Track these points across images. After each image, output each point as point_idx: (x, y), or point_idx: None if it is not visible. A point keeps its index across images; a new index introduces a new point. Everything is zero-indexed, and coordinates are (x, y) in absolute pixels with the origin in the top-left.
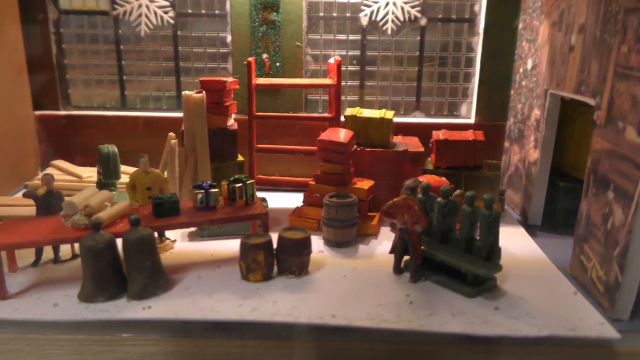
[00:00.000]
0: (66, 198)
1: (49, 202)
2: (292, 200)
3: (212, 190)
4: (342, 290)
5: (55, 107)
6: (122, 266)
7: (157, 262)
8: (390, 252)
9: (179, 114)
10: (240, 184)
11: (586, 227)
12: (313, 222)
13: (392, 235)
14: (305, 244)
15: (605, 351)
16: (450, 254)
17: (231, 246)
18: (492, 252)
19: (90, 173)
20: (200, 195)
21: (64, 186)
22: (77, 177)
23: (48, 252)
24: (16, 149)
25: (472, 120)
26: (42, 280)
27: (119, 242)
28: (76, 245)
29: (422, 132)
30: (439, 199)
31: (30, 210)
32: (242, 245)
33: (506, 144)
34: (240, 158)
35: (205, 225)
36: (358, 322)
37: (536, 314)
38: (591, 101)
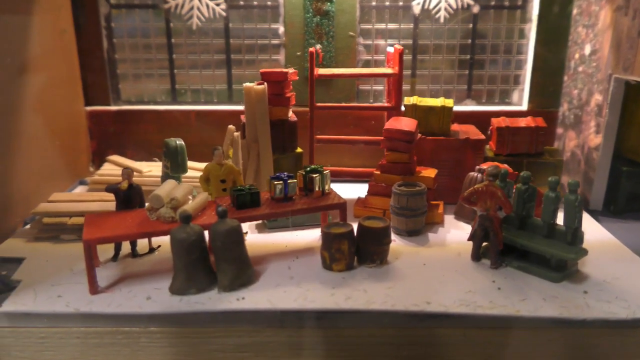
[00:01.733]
0: (152, 193)
1: (130, 196)
2: (350, 190)
3: (291, 181)
4: (427, 277)
5: (105, 102)
6: (209, 258)
7: (245, 253)
8: (469, 239)
9: (230, 107)
10: (317, 175)
11: None
12: (378, 212)
13: (457, 223)
14: (386, 233)
15: None
16: (531, 240)
17: (301, 237)
18: (575, 237)
19: (149, 167)
20: (280, 186)
21: None
22: (137, 172)
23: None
24: (70, 146)
25: (524, 107)
26: (126, 274)
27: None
28: (155, 239)
29: (474, 120)
30: (518, 185)
31: (99, 206)
32: (325, 235)
33: (559, 130)
34: (299, 149)
35: (287, 216)
36: (454, 309)
37: (626, 297)
38: None
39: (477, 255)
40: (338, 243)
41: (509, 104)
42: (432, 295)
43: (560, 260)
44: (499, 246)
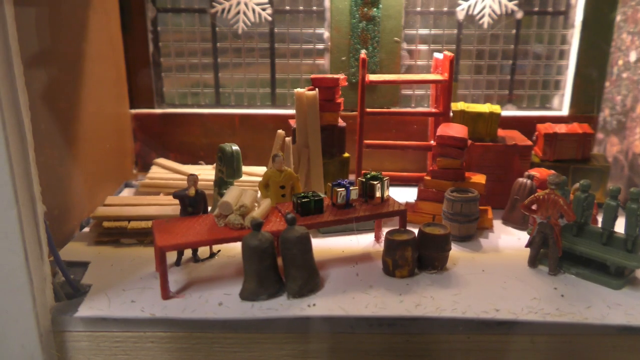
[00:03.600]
0: (221, 200)
1: (196, 201)
2: (395, 194)
3: (352, 188)
4: (489, 284)
5: (150, 105)
6: (277, 265)
7: (313, 260)
8: (527, 246)
9: (273, 111)
10: (378, 182)
11: None
12: (428, 217)
13: (505, 228)
14: (447, 240)
15: None
16: (591, 247)
17: (355, 242)
18: (635, 245)
19: (197, 171)
20: (342, 193)
21: (173, 184)
22: (184, 175)
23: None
24: (117, 149)
25: (565, 113)
26: (192, 279)
27: None
28: (215, 246)
29: (515, 124)
30: (577, 193)
31: (157, 210)
32: (389, 242)
33: (600, 136)
34: (346, 154)
35: (351, 223)
36: (523, 316)
37: None
38: None
39: (535, 261)
40: (402, 250)
41: (550, 109)
42: (498, 302)
43: (619, 268)
44: (558, 253)
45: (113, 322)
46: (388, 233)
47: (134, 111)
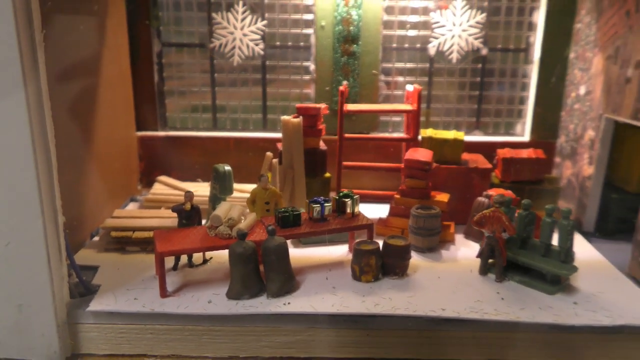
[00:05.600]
0: (213, 213)
1: (191, 215)
2: (371, 210)
3: (327, 204)
4: (441, 288)
5: (154, 128)
6: (259, 269)
7: (289, 265)
8: (477, 256)
9: (264, 134)
10: (349, 199)
11: None
12: (397, 230)
13: (466, 242)
14: (407, 250)
15: None
16: (531, 258)
17: (332, 252)
18: (568, 256)
19: (195, 188)
20: (317, 209)
21: (173, 200)
22: (183, 192)
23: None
24: (124, 167)
25: (526, 138)
26: (187, 281)
27: None
28: (208, 253)
29: (481, 149)
30: (519, 211)
31: (159, 222)
32: (356, 251)
33: (557, 160)
34: (327, 174)
35: (323, 235)
36: (465, 315)
37: (610, 307)
38: None
39: (484, 270)
40: (367, 258)
41: (513, 134)
42: (446, 303)
43: (555, 276)
44: (503, 263)
45: (118, 316)
46: (356, 243)
47: (139, 134)
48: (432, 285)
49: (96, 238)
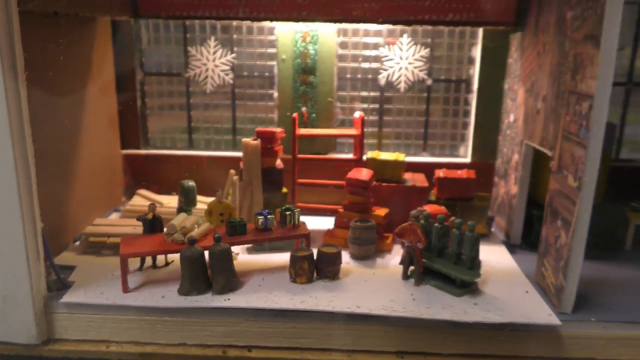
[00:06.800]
0: (169, 222)
1: (154, 224)
2: (325, 223)
3: (270, 216)
4: (364, 290)
5: (137, 147)
6: (207, 270)
7: (232, 268)
8: (400, 264)
9: (235, 154)
10: (290, 212)
11: (545, 246)
12: (341, 240)
13: (402, 251)
14: (338, 257)
15: (551, 334)
16: (444, 265)
17: (280, 258)
18: (474, 264)
19: (168, 200)
20: (261, 220)
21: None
22: (159, 203)
23: (146, 261)
24: (109, 181)
25: (468, 160)
26: (148, 280)
27: (205, 253)
28: (169, 256)
29: (428, 169)
30: (435, 224)
31: (130, 230)
32: (292, 257)
33: (495, 179)
34: (284, 190)
35: (265, 242)
36: (375, 311)
37: (504, 308)
38: (549, 153)
39: (406, 275)
40: (301, 263)
41: (457, 156)
42: (363, 302)
43: (462, 281)
44: (420, 269)
45: (86, 307)
46: (293, 251)
47: (124, 151)
48: (357, 287)
49: (77, 243)
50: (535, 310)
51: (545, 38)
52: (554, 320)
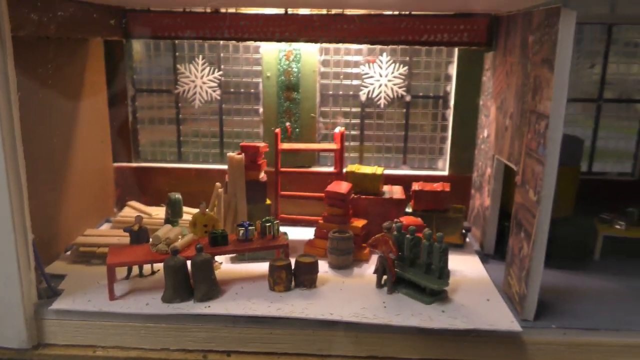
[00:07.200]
0: (154, 233)
1: (139, 235)
2: (307, 233)
3: (250, 227)
4: (339, 298)
5: (128, 160)
6: (190, 279)
7: (214, 276)
8: (374, 273)
9: (222, 167)
10: (270, 224)
11: (511, 256)
12: (321, 250)
13: None
14: (314, 266)
15: (513, 340)
16: (415, 274)
17: (261, 267)
18: (442, 273)
19: (157, 211)
20: (242, 231)
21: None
22: (147, 215)
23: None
24: (101, 193)
25: (446, 173)
26: (133, 288)
27: (188, 262)
28: (155, 265)
29: (408, 181)
30: (407, 236)
31: (119, 240)
32: (270, 267)
33: (472, 191)
34: (268, 202)
35: (245, 252)
36: (347, 318)
37: (469, 315)
38: (515, 168)
39: (379, 284)
40: (279, 272)
41: (436, 169)
42: (336, 309)
43: (432, 289)
44: (392, 278)
45: (74, 314)
46: (272, 261)
47: (116, 164)
48: (332, 295)
49: (69, 252)
50: (499, 317)
51: (512, 59)
52: (516, 326)
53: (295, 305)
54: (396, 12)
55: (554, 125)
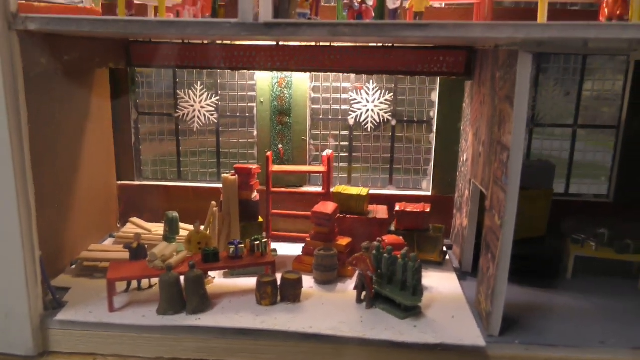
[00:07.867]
0: (151, 250)
1: (138, 251)
2: (297, 249)
3: (240, 245)
4: (319, 312)
5: (131, 178)
6: (183, 293)
7: (205, 291)
8: (354, 289)
9: (218, 186)
10: (258, 242)
11: (481, 275)
12: (308, 266)
13: None
14: (299, 282)
15: (478, 354)
16: (391, 291)
17: (249, 282)
18: (416, 290)
19: (156, 228)
20: (232, 249)
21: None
22: (147, 231)
23: (132, 284)
24: (105, 209)
25: (430, 193)
26: (131, 300)
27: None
28: (152, 279)
29: (393, 201)
30: (385, 255)
31: (120, 255)
32: (258, 282)
33: (454, 211)
34: (260, 219)
35: (235, 269)
36: (325, 332)
37: (439, 330)
38: (486, 193)
39: (359, 299)
40: (265, 287)
41: (420, 190)
42: (315, 322)
43: (406, 305)
44: (370, 294)
45: (77, 324)
46: (259, 277)
47: (119, 182)
48: (314, 309)
49: (73, 266)
50: (467, 332)
51: (484, 90)
52: (480, 341)
53: (279, 318)
54: (380, 45)
55: (514, 157)
